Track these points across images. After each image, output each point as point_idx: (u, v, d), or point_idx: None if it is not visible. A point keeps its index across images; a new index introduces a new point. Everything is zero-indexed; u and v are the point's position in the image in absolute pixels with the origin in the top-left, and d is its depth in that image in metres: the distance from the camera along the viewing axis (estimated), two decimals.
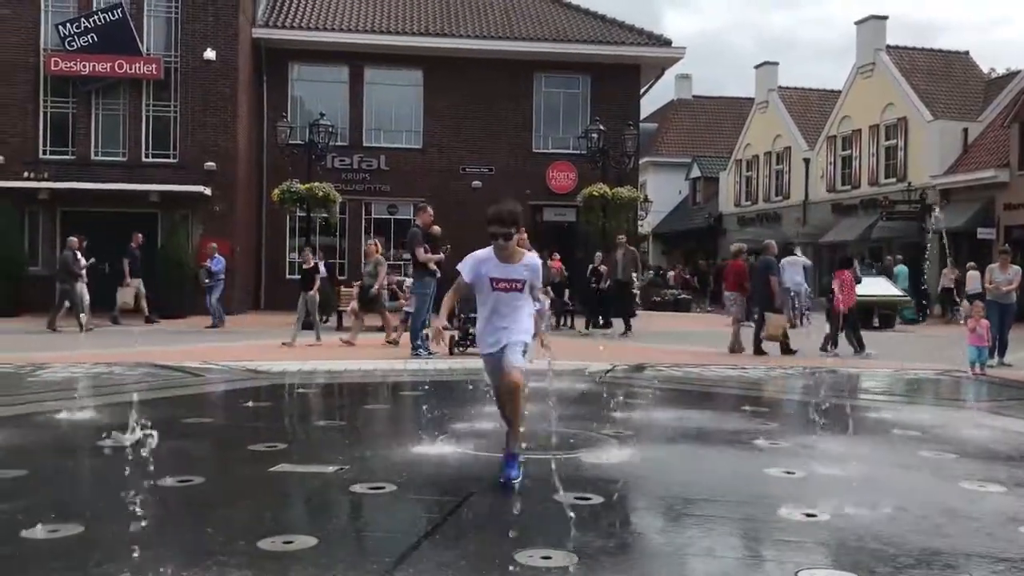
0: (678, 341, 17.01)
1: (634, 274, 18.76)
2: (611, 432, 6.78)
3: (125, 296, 19.64)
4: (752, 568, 3.84)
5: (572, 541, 4.03)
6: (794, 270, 18.42)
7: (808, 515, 4.49)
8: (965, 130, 30.23)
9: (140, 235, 20.73)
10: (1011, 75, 32.38)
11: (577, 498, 4.78)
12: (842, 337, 14.37)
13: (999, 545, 4.11)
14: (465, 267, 5.05)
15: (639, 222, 33.99)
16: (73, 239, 18.45)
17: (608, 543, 4.10)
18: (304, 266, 16.00)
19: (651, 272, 35.99)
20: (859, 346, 14.28)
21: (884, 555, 3.95)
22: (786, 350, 14.12)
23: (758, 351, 14.19)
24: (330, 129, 22.45)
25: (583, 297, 20.66)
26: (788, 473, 5.49)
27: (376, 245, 16.62)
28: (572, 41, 26.59)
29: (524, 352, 5.03)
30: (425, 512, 4.65)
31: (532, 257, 5.12)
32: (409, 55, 26.10)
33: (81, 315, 17.07)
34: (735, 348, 14.31)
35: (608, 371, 11.35)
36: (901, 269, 25.59)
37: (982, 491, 5.16)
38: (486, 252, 5.02)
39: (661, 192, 45.51)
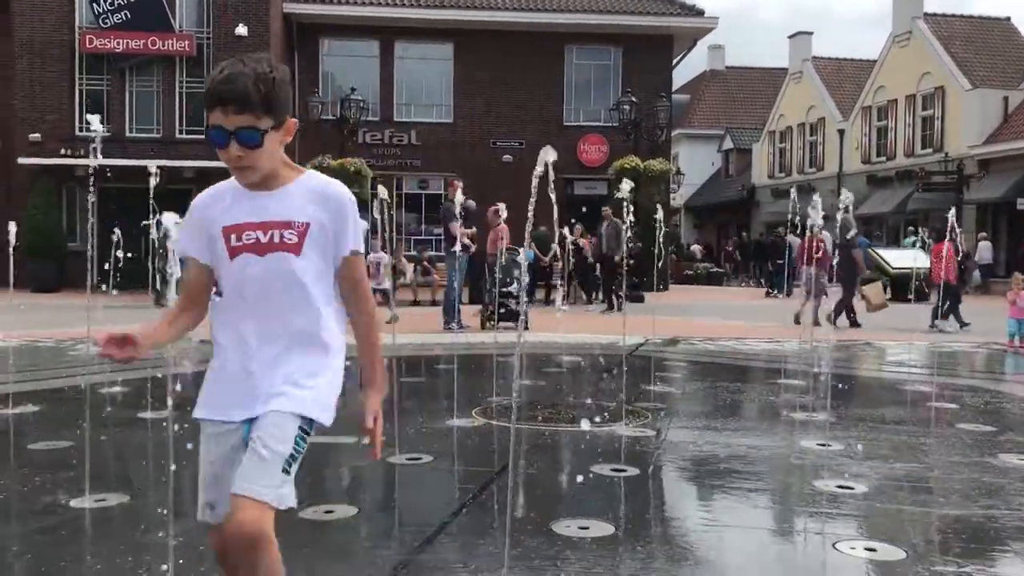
0: (712, 314, 16.94)
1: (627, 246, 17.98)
2: (646, 405, 6.80)
3: None
4: (789, 540, 3.86)
5: (609, 512, 4.07)
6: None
7: (844, 487, 4.48)
8: (1006, 99, 29.59)
9: None
10: None
11: (613, 470, 4.82)
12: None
13: None
14: (182, 235, 2.39)
15: (671, 195, 33.77)
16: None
17: (645, 514, 4.13)
18: None
19: (672, 248, 35.38)
20: (934, 318, 14.19)
21: (921, 527, 3.95)
22: (854, 322, 14.31)
23: (854, 323, 14.30)
24: (361, 104, 22.49)
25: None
26: (823, 445, 5.47)
27: None
28: (603, 12, 26.34)
29: (295, 456, 2.20)
30: (462, 483, 4.71)
31: (319, 180, 2.33)
32: (439, 28, 26.01)
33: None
34: (817, 321, 14.25)
35: (641, 345, 11.35)
36: (908, 240, 25.54)
37: (1021, 464, 5.12)
38: (218, 187, 2.36)
39: (694, 164, 45.12)
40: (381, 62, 26.35)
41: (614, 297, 17.71)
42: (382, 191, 8.67)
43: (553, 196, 3.18)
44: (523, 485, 4.67)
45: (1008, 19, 33.75)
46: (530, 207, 2.89)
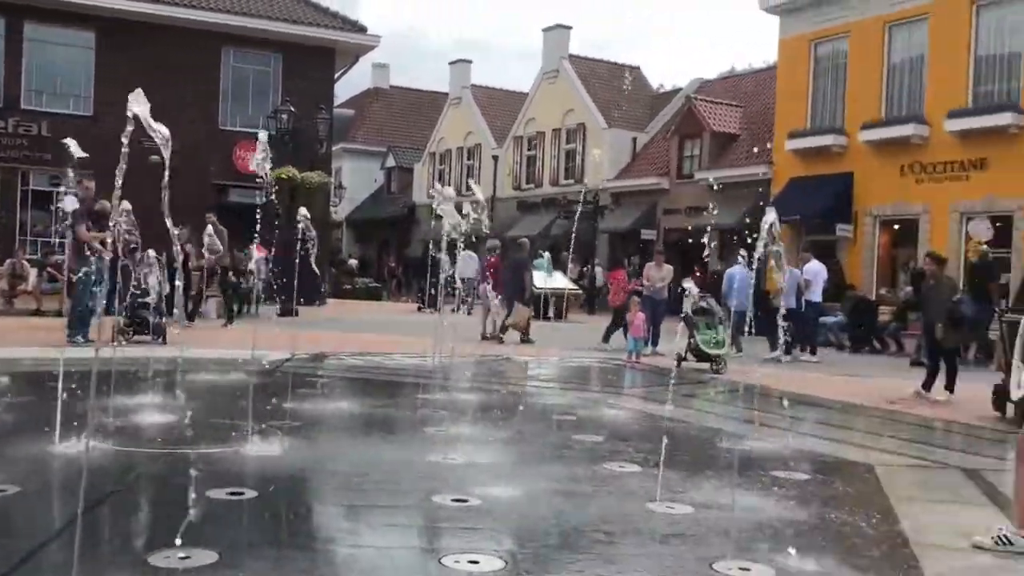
0: (367, 329, 16.98)
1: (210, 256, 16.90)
2: (279, 424, 6.56)
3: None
4: (398, 557, 3.85)
5: (217, 538, 3.82)
6: (467, 264, 21.26)
7: (460, 500, 4.60)
8: (635, 139, 32.99)
9: None
10: (674, 92, 35.82)
11: (230, 493, 4.56)
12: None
13: (632, 520, 4.46)
14: None
15: (332, 208, 33.61)
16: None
17: (256, 538, 3.94)
18: None
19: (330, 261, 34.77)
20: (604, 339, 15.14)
21: (529, 536, 4.14)
22: (525, 339, 15.26)
23: (498, 338, 15.19)
24: None
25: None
26: (448, 459, 5.60)
27: None
28: (263, 17, 25.58)
29: None
30: (55, 514, 4.22)
31: None
32: (77, 12, 23.69)
33: None
34: (489, 335, 15.44)
35: (286, 360, 11.05)
36: (540, 262, 28.16)
37: (621, 471, 5.59)
38: None
39: (357, 179, 45.37)
40: (7, 42, 23.52)
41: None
42: None
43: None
44: (125, 514, 4.28)
45: (639, 68, 37.68)
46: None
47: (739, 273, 14.52)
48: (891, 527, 4.56)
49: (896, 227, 22.60)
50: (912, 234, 21.80)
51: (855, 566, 3.88)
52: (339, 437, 6.48)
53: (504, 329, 15.44)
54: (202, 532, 3.92)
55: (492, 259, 16.45)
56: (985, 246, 16.82)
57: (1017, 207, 19.49)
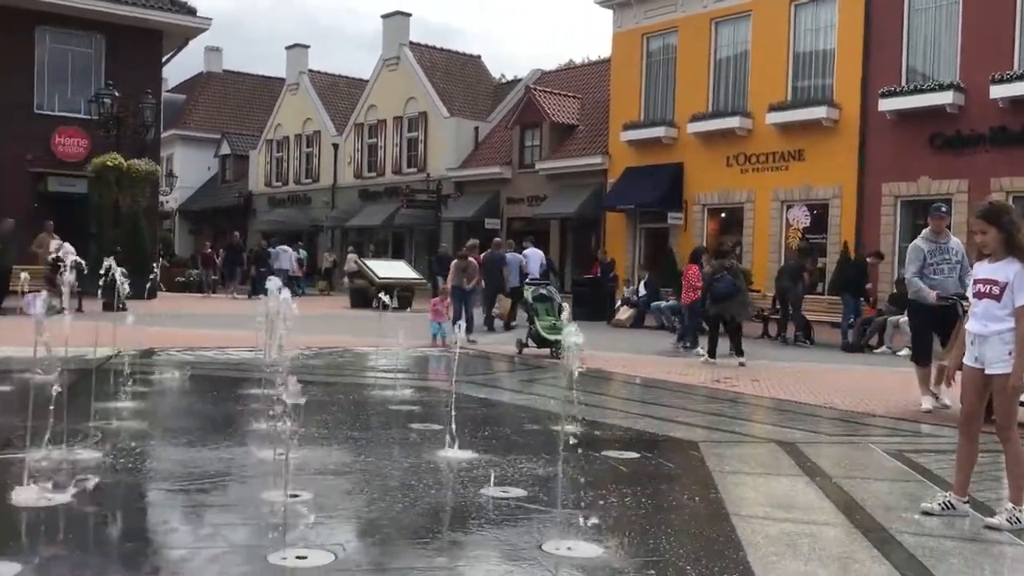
0: (202, 323, 16.34)
1: None
2: (101, 424, 6.23)
3: None
4: (224, 556, 3.74)
5: (29, 547, 3.59)
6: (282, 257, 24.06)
7: (292, 496, 4.50)
8: (476, 128, 33.14)
9: None
10: (515, 82, 36.21)
11: (45, 499, 4.28)
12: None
13: (467, 507, 4.48)
14: None
15: (162, 198, 32.14)
16: None
17: (63, 548, 3.72)
18: None
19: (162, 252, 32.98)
20: (693, 342, 14.37)
21: (361, 528, 4.10)
22: (508, 327, 17.25)
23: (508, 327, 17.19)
24: None
25: None
26: (280, 456, 5.46)
27: None
28: None
29: None
30: None
31: None
32: None
33: None
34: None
35: (111, 357, 10.48)
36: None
37: (457, 458, 5.61)
38: None
39: (189, 168, 43.63)
40: None
41: None
42: None
43: None
44: None
45: (479, 57, 37.86)
46: None
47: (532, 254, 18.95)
48: (712, 500, 4.79)
49: (723, 215, 23.72)
50: (737, 221, 22.95)
51: (678, 541, 4.05)
52: (166, 435, 6.21)
53: (493, 318, 17.27)
54: (8, 542, 3.68)
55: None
56: (802, 232, 17.80)
57: (831, 195, 20.85)
